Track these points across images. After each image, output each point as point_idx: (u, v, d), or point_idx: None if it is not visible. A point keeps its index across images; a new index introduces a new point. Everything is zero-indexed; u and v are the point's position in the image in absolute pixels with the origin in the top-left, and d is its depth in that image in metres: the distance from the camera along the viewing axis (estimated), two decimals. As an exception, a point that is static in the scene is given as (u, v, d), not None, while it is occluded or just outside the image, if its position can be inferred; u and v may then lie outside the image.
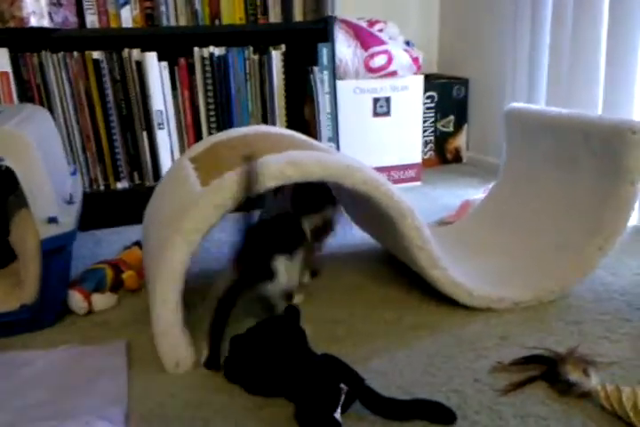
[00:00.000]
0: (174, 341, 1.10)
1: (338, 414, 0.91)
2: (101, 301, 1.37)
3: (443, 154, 2.69)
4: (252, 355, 1.05)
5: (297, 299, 1.35)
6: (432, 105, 2.60)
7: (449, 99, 2.63)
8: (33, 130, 1.32)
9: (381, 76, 2.25)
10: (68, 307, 1.35)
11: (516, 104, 1.70)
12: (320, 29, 2.05)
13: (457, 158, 2.71)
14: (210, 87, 2.03)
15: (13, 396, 1.05)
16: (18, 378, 1.11)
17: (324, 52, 2.06)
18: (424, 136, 2.59)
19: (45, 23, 1.77)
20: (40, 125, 1.46)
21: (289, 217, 1.32)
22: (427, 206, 2.07)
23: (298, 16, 2.07)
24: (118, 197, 2.00)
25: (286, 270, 1.21)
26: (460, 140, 2.69)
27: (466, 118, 2.68)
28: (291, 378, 0.99)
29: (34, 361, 1.16)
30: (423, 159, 2.57)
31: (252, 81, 2.07)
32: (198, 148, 1.46)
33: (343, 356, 1.01)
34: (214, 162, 1.30)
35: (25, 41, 1.82)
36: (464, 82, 2.65)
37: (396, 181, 2.33)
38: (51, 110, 1.85)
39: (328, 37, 2.05)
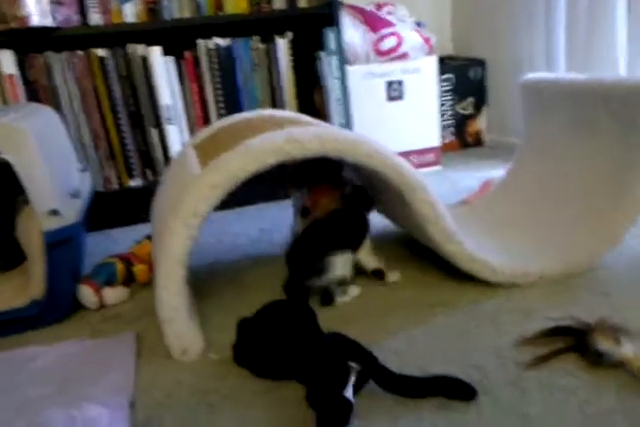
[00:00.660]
0: (180, 328, 1.07)
1: (349, 393, 0.85)
2: (112, 294, 1.35)
3: (463, 137, 2.60)
4: (261, 338, 1.01)
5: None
6: (450, 88, 2.52)
7: (467, 80, 2.55)
8: (33, 125, 1.30)
9: (392, 59, 2.19)
10: (79, 302, 1.33)
11: (531, 74, 1.62)
12: (326, 14, 2.00)
13: (478, 141, 2.62)
14: (217, 79, 2.00)
15: (22, 389, 1.03)
16: (27, 372, 1.09)
17: (330, 36, 2.01)
18: (443, 120, 2.52)
19: (47, 22, 1.77)
20: (42, 121, 1.45)
21: (348, 213, 1.31)
22: (447, 189, 2.00)
23: (302, 1, 2.02)
24: (132, 195, 1.98)
25: (343, 264, 1.24)
26: (481, 123, 2.61)
27: (485, 100, 2.60)
28: (300, 359, 0.94)
29: (43, 355, 1.14)
30: (443, 144, 2.50)
31: (259, 71, 2.03)
32: (202, 134, 1.43)
33: (356, 337, 0.96)
34: (215, 146, 1.26)
35: (29, 42, 1.82)
36: (481, 62, 2.56)
37: (414, 167, 2.25)
38: (59, 111, 1.84)
39: (334, 21, 2.00)
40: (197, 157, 1.27)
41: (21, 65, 1.82)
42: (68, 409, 0.71)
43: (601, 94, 1.30)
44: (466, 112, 2.58)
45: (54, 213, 1.20)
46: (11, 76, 1.81)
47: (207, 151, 1.25)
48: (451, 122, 2.56)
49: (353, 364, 0.88)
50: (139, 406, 0.96)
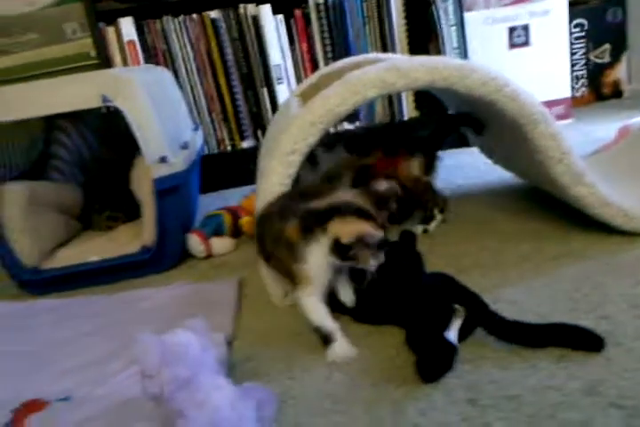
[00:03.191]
0: (280, 272, 1.04)
1: (452, 336, 0.77)
2: (220, 244, 1.36)
3: (598, 89, 2.33)
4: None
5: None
6: (582, 34, 2.27)
7: (603, 25, 2.27)
8: (145, 78, 1.33)
9: (516, 2, 1.99)
10: (188, 251, 1.35)
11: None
12: (441, -43, 1.86)
13: (616, 93, 2.34)
14: (326, 35, 1.94)
15: (129, 326, 1.06)
16: (135, 311, 1.13)
17: (446, -21, 1.87)
18: (574, 71, 2.27)
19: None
20: (155, 77, 1.49)
21: None
22: (579, 141, 1.79)
23: (415, -55, 1.90)
24: (245, 156, 2.00)
25: None
26: (620, 72, 2.32)
27: (625, 45, 2.30)
28: (401, 302, 0.87)
29: (151, 296, 1.17)
30: (575, 97, 2.26)
31: (370, 24, 1.95)
32: (306, 83, 1.39)
33: (470, 286, 0.87)
34: (317, 89, 1.21)
35: (147, 7, 1.88)
36: (621, 2, 2.27)
37: (541, 121, 2.06)
38: (175, 74, 1.89)
39: (450, -36, 1.86)
40: (300, 100, 1.23)
41: (140, 31, 1.89)
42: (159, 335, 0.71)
43: None
44: (601, 60, 2.30)
45: (163, 160, 1.22)
46: (131, 41, 1.88)
47: (309, 94, 1.20)
48: (583, 73, 2.30)
49: (457, 306, 0.79)
50: (237, 345, 0.95)
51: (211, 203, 1.82)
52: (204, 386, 0.69)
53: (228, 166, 1.98)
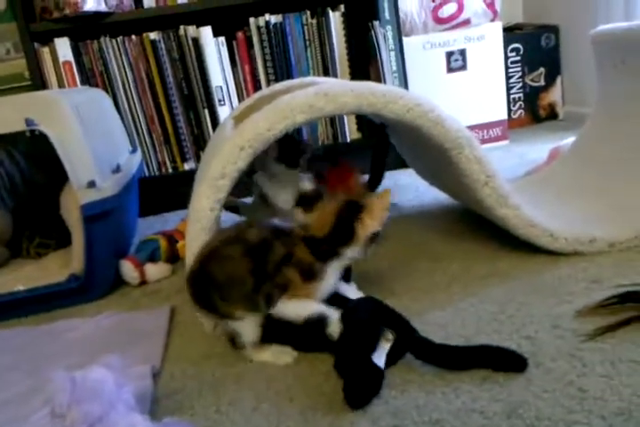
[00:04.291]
0: (210, 298, 1.01)
1: (380, 361, 0.77)
2: (154, 271, 1.33)
3: (535, 112, 2.41)
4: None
5: None
6: (518, 58, 2.35)
7: (537, 50, 2.36)
8: (76, 100, 1.30)
9: (453, 27, 2.05)
10: (121, 278, 1.31)
11: (602, 26, 1.45)
12: (380, -17, 1.90)
13: (552, 115, 2.43)
14: (268, 57, 1.95)
15: (54, 359, 1.02)
16: (61, 343, 1.08)
17: (384, 5, 1.91)
18: (511, 93, 2.35)
19: (100, 7, 1.78)
20: (88, 99, 1.46)
21: None
22: (514, 163, 1.85)
23: (355, -30, 1.94)
24: (186, 178, 1.97)
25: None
26: (554, 95, 2.41)
27: (559, 69, 2.40)
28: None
29: (79, 327, 1.13)
30: (512, 119, 2.33)
31: (312, 47, 1.97)
32: (242, 105, 1.39)
33: (399, 310, 0.87)
34: (252, 111, 1.21)
35: (83, 28, 1.85)
36: (554, 29, 2.37)
37: (480, 142, 2.11)
38: (114, 95, 1.86)
39: (389, -12, 1.90)
40: (234, 124, 1.22)
41: (77, 52, 1.86)
42: (72, 372, 0.68)
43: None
44: (537, 84, 2.39)
45: (91, 184, 1.19)
46: (67, 62, 1.84)
47: (243, 118, 1.20)
48: (520, 95, 2.38)
49: (386, 330, 0.79)
50: (165, 377, 0.92)
51: (151, 226, 1.78)
52: (117, 424, 0.66)
53: (170, 189, 1.95)
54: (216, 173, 0.99)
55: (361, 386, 0.75)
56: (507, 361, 0.78)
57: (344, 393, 0.75)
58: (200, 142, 1.97)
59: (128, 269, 1.29)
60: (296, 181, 1.15)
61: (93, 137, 1.28)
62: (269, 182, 1.31)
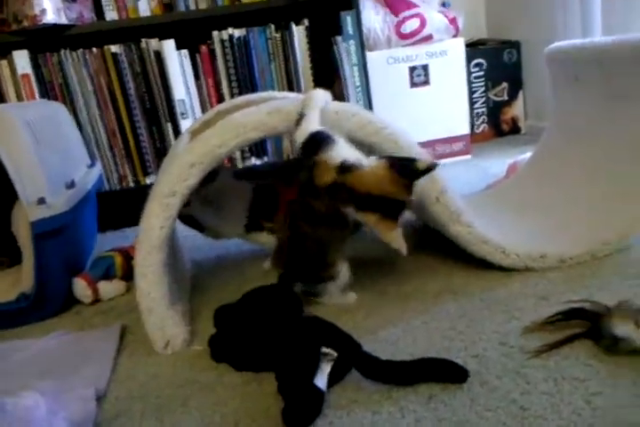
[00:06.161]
0: (160, 318, 1.00)
1: (321, 382, 0.76)
2: (108, 288, 1.30)
3: (498, 126, 2.45)
4: (240, 327, 0.92)
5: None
6: (481, 73, 2.39)
7: (500, 65, 2.40)
8: (28, 115, 1.27)
9: (416, 42, 2.08)
10: (74, 296, 1.28)
11: (557, 43, 1.48)
12: (343, -2, 1.92)
13: (515, 129, 2.47)
14: (232, 71, 1.94)
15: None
16: (8, 364, 1.05)
17: (347, 20, 1.92)
18: (475, 108, 2.38)
19: (61, 20, 1.76)
20: (43, 114, 1.43)
21: None
22: (476, 177, 1.87)
23: (318, -14, 1.95)
24: (148, 192, 1.95)
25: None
26: (517, 109, 2.45)
27: (521, 84, 2.44)
28: (274, 348, 0.85)
29: (27, 347, 1.09)
30: (476, 133, 2.37)
31: (276, 61, 1.97)
32: (201, 119, 1.37)
33: (351, 328, 0.87)
34: (208, 126, 1.20)
35: (43, 40, 1.82)
36: (515, 45, 2.41)
37: (443, 156, 2.14)
38: (74, 109, 1.83)
39: (352, 4, 1.92)
40: (190, 140, 1.21)
41: (36, 64, 1.83)
42: (3, 397, 0.65)
43: (637, 56, 1.16)
44: (500, 98, 2.43)
45: (42, 201, 1.17)
46: (25, 75, 1.81)
47: (199, 133, 1.19)
48: (483, 110, 2.42)
49: (327, 350, 0.79)
50: (110, 399, 0.90)
51: (112, 241, 1.75)
52: (48, 452, 0.64)
53: (131, 203, 1.91)
54: (166, 190, 0.98)
55: (299, 408, 0.74)
56: (447, 372, 0.79)
57: (282, 416, 0.74)
58: (162, 156, 1.94)
59: (80, 286, 1.26)
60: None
61: (46, 152, 1.26)
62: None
